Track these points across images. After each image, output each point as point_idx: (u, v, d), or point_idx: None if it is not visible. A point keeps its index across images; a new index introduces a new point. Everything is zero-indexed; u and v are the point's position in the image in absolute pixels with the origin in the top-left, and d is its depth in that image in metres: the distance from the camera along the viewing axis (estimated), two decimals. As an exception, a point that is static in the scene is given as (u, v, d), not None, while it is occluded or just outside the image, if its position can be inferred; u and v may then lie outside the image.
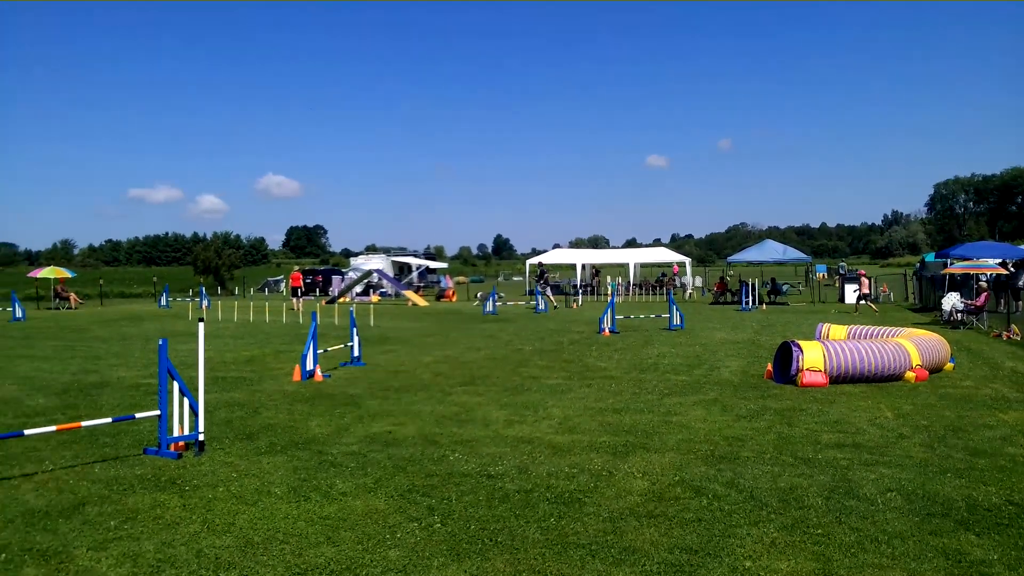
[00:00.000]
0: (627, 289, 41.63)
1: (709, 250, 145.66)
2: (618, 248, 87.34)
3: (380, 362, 13.31)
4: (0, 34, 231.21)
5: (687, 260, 43.77)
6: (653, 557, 4.47)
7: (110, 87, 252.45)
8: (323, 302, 34.72)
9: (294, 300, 30.00)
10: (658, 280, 44.75)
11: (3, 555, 4.52)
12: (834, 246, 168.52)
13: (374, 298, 38.37)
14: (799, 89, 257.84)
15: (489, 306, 26.98)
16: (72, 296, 34.42)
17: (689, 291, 40.46)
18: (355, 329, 13.21)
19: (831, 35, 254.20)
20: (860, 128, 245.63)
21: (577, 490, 5.77)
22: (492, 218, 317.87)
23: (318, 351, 11.71)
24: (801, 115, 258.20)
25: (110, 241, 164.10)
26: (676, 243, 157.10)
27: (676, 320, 19.52)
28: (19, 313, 26.08)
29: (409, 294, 35.31)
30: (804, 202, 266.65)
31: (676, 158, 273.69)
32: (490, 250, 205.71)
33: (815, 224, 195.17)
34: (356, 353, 13.10)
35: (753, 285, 29.91)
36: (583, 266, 43.33)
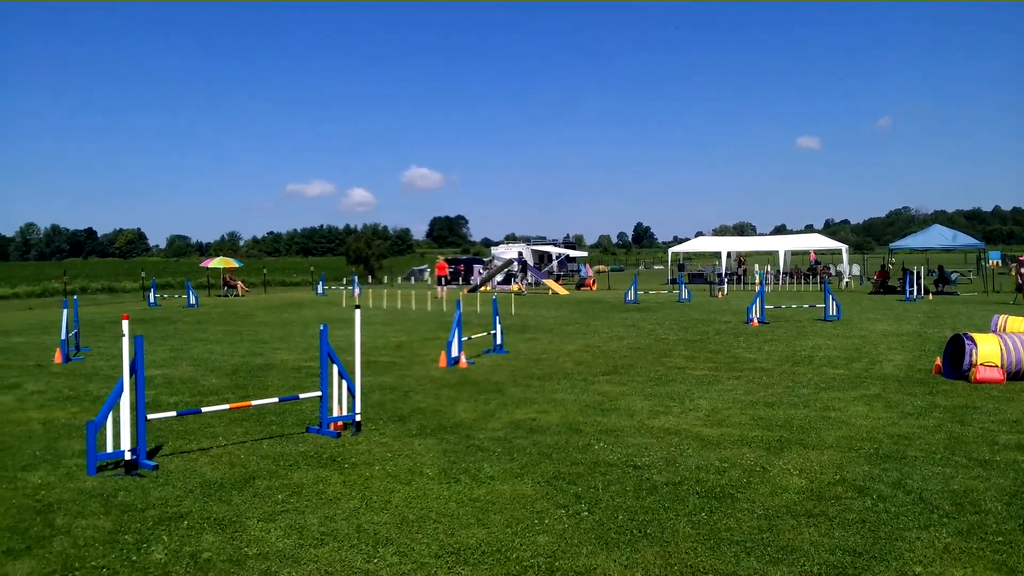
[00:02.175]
0: (776, 278, 39.91)
1: (867, 236, 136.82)
2: (766, 235, 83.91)
3: (522, 350, 13.46)
4: (168, 50, 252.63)
5: (843, 247, 41.40)
6: (813, 558, 4.25)
7: (269, 94, 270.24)
8: (465, 291, 35.55)
9: (439, 288, 30.94)
10: (811, 268, 42.56)
11: (185, 522, 4.92)
12: (1009, 231, 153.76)
13: (515, 287, 38.90)
14: (966, 59, 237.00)
15: (631, 295, 26.66)
16: (239, 284, 37.10)
17: (846, 280, 38.23)
18: (497, 317, 13.43)
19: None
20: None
21: (729, 485, 5.57)
22: (632, 206, 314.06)
23: (462, 338, 11.99)
24: (970, 88, 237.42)
25: (271, 233, 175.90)
26: (830, 229, 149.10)
27: (832, 310, 18.50)
28: (193, 300, 28.42)
29: (549, 283, 35.51)
30: (974, 183, 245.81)
31: (829, 139, 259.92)
32: (630, 238, 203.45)
33: (987, 207, 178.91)
34: (499, 341, 13.31)
35: (918, 273, 27.85)
36: (728, 254, 41.95)
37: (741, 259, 43.02)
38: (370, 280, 50.72)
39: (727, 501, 5.22)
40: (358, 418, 7.30)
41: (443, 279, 31.60)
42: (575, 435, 7.12)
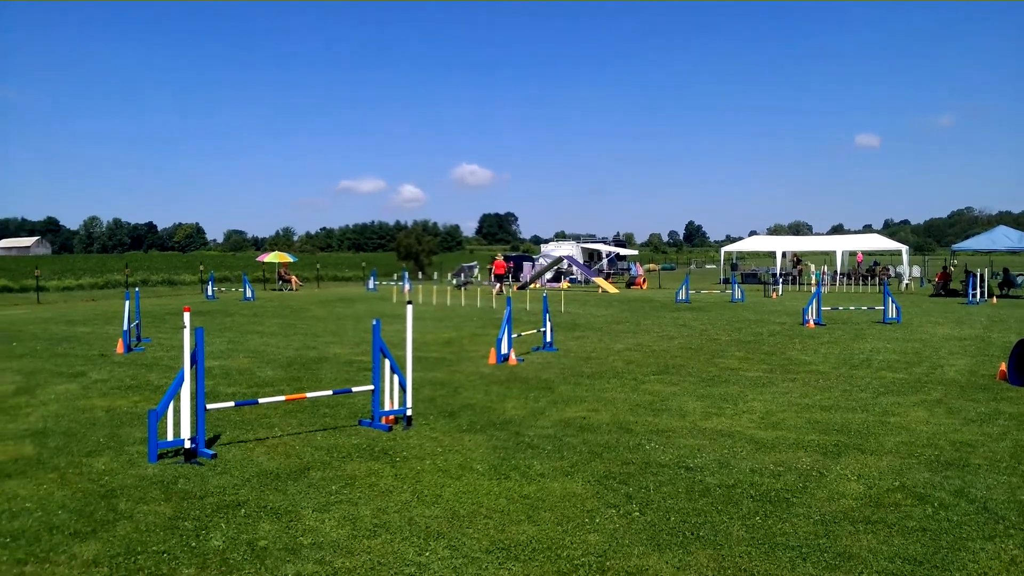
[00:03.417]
0: (833, 279, 39.02)
1: (928, 237, 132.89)
2: (822, 235, 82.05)
3: (572, 348, 13.42)
4: (227, 51, 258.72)
5: (903, 248, 40.21)
6: (872, 565, 4.14)
7: (324, 94, 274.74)
8: (514, 288, 35.61)
9: (498, 285, 31.55)
10: (869, 269, 41.48)
11: (242, 510, 5.03)
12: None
13: (564, 284, 38.79)
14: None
15: (682, 294, 26.37)
16: (293, 279, 37.80)
17: (906, 281, 37.16)
18: (547, 315, 13.41)
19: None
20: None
21: (784, 489, 5.47)
22: (684, 205, 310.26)
23: (512, 335, 12.00)
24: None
25: (324, 229, 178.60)
26: (890, 229, 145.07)
27: (891, 313, 18.02)
28: (249, 293, 29.05)
29: (599, 281, 35.34)
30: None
31: (888, 136, 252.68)
32: (681, 237, 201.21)
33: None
34: (548, 339, 13.29)
35: (981, 276, 26.91)
36: (783, 254, 41.15)
37: (796, 259, 42.15)
38: (420, 276, 51.15)
39: (782, 505, 5.12)
40: (409, 412, 7.37)
41: (503, 277, 32.25)
42: (626, 434, 7.07)
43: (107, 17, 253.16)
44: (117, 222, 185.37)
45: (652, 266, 67.27)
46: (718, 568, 4.12)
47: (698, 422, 7.60)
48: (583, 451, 6.48)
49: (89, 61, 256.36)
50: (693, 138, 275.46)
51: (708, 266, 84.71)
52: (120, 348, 12.86)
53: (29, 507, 5.07)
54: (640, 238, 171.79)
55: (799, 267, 40.99)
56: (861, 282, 37.61)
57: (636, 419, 7.73)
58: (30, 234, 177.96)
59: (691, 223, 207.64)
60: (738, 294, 26.83)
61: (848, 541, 4.49)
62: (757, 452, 6.47)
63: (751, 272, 45.36)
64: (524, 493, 5.35)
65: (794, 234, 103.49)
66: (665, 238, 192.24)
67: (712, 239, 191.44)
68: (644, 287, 38.10)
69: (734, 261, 47.52)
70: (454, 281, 31.93)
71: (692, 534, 4.61)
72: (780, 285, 33.11)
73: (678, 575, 4.04)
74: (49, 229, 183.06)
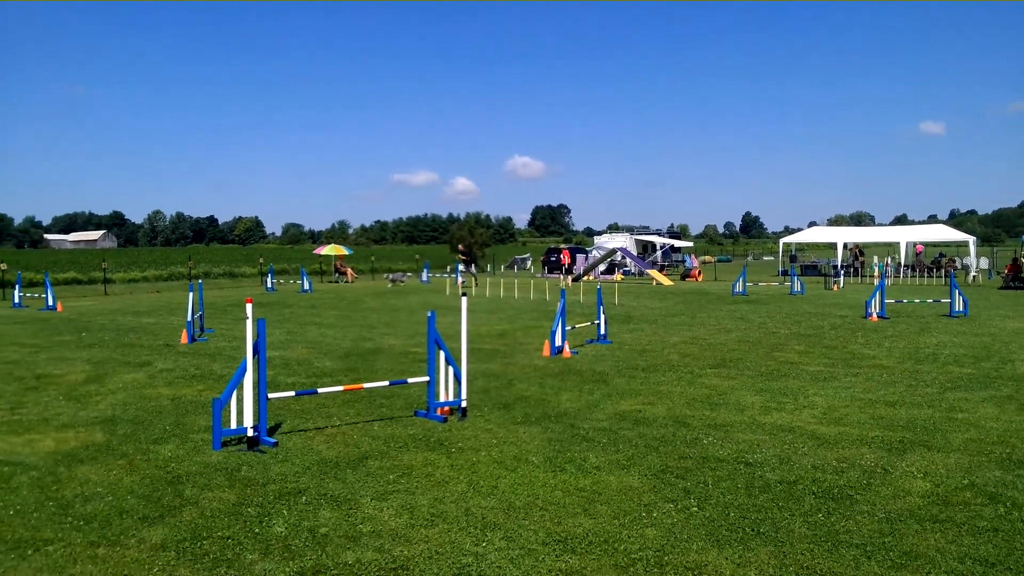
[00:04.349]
0: (897, 271, 37.89)
1: (996, 227, 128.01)
2: (885, 225, 79.71)
3: (626, 341, 13.32)
4: (285, 49, 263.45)
5: (970, 239, 38.81)
6: (940, 565, 4.01)
7: (377, 88, 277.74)
8: (568, 280, 35.52)
9: (565, 276, 32.24)
10: (934, 261, 40.14)
11: (303, 498, 5.13)
12: None
13: (618, 277, 38.53)
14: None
15: (739, 286, 25.93)
16: (349, 271, 38.37)
17: (973, 274, 35.86)
18: (601, 307, 13.33)
19: None
20: None
21: (847, 486, 5.34)
22: (740, 195, 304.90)
23: (566, 328, 11.96)
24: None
25: (378, 222, 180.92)
26: (956, 219, 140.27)
27: (958, 306, 17.41)
28: (307, 285, 29.59)
29: (653, 273, 35.00)
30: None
31: (954, 124, 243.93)
32: (737, 228, 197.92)
33: None
34: (602, 331, 13.21)
35: (1055, 268, 25.79)
36: (844, 245, 40.12)
37: (858, 250, 41.05)
38: (473, 268, 51.44)
39: (845, 503, 5.00)
40: (464, 404, 7.41)
41: (566, 268, 33.11)
42: (682, 428, 6.99)
43: (169, 15, 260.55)
44: (180, 216, 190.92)
45: (708, 258, 66.28)
46: (779, 565, 4.04)
47: (757, 417, 7.47)
48: (639, 444, 6.43)
49: (152, 58, 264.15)
50: (750, 128, 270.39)
51: (766, 258, 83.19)
52: (184, 338, 13.23)
53: (100, 492, 5.26)
54: (695, 229, 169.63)
55: (861, 259, 39.89)
56: (926, 274, 36.44)
57: (693, 413, 7.63)
58: (97, 228, 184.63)
59: (748, 214, 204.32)
60: (797, 286, 26.26)
61: (915, 540, 4.36)
62: (819, 448, 6.32)
63: (811, 264, 44.38)
64: (580, 486, 5.34)
65: (856, 225, 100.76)
66: (721, 229, 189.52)
67: (770, 230, 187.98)
68: (699, 279, 37.58)
69: (793, 252, 46.56)
70: (390, 279, 33.45)
71: (752, 530, 4.53)
72: (841, 277, 32.28)
73: (738, 572, 3.98)
74: (115, 223, 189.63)
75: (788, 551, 4.22)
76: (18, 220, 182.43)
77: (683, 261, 48.05)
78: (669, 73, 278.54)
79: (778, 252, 49.62)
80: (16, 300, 22.08)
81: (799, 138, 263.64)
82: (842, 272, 33.99)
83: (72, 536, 4.46)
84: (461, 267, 29.04)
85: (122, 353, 11.94)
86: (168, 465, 5.89)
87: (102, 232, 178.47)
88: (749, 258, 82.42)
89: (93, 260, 52.18)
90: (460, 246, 26.23)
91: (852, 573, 3.95)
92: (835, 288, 29.04)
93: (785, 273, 38.06)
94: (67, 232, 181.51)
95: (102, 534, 4.50)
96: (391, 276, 34.02)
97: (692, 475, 5.59)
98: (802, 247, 56.72)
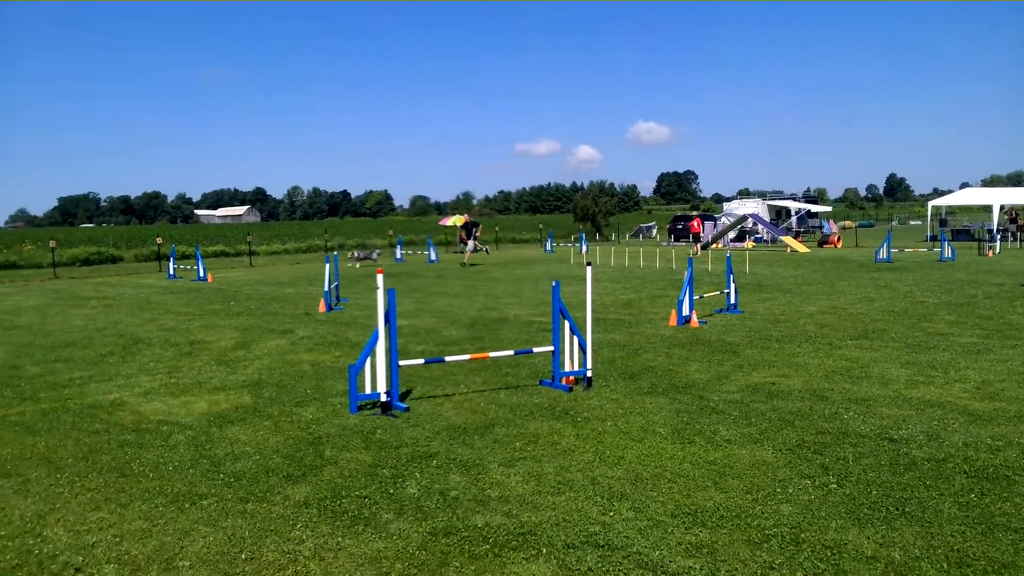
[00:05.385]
0: (1062, 234, 34.52)
1: None
2: (1049, 185, 72.73)
3: (758, 310, 12.85)
4: (412, 31, 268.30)
5: None
6: (1118, 559, 3.64)
7: (499, 60, 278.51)
8: (697, 248, 34.63)
9: (697, 245, 31.64)
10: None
11: (434, 461, 5.28)
12: None
13: (748, 244, 37.18)
14: None
15: (882, 253, 24.41)
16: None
17: None
18: (731, 276, 12.90)
19: None
20: None
21: (1004, 465, 4.93)
22: (883, 156, 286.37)
23: (694, 297, 11.66)
24: None
25: (502, 192, 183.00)
26: None
27: None
28: (433, 256, 30.33)
29: (787, 240, 33.51)
30: None
31: None
32: (881, 191, 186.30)
33: None
34: (732, 300, 12.80)
35: None
36: (1000, 207, 36.93)
37: (1015, 213, 37.68)
38: (597, 237, 51.04)
39: (1002, 483, 4.62)
40: (589, 374, 7.38)
41: (699, 236, 32.56)
42: (820, 402, 6.67)
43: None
44: (316, 191, 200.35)
45: (847, 223, 62.73)
46: (927, 547, 3.80)
47: (902, 391, 7.02)
48: (773, 418, 6.19)
49: (282, 41, 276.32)
50: (894, 82, 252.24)
51: (912, 222, 77.85)
52: (322, 307, 13.89)
53: (248, 451, 5.62)
54: (834, 193, 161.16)
55: (1020, 222, 36.60)
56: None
57: (831, 386, 7.27)
58: (242, 203, 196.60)
59: (892, 176, 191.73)
60: (948, 252, 24.43)
61: (1087, 529, 3.97)
62: (971, 424, 5.88)
63: (963, 228, 41.15)
64: (710, 459, 5.20)
65: (1014, 185, 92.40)
66: (862, 193, 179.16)
67: (917, 193, 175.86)
68: (838, 246, 35.68)
69: (943, 216, 43.38)
70: (355, 257, 28.96)
71: (897, 509, 4.27)
72: (998, 242, 29.76)
73: (881, 552, 3.77)
74: (258, 199, 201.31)
75: (936, 532, 3.95)
76: (171, 197, 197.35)
77: (820, 227, 45.77)
78: (802, 24, 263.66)
79: (926, 216, 46.37)
80: (171, 272, 23.88)
81: (949, 91, 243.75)
82: (998, 237, 31.33)
83: (224, 492, 4.79)
84: (471, 242, 25.13)
85: (266, 321, 12.67)
86: (309, 427, 6.21)
87: (246, 207, 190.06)
88: (894, 223, 77.25)
89: (239, 234, 55.65)
90: (465, 216, 22.29)
91: (1010, 559, 3.66)
92: (990, 254, 26.83)
93: (934, 238, 35.52)
94: (215, 207, 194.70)
95: (250, 490, 4.80)
96: (356, 253, 29.58)
97: (830, 451, 5.33)
98: (953, 210, 52.61)
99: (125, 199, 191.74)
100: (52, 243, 28.64)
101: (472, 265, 26.16)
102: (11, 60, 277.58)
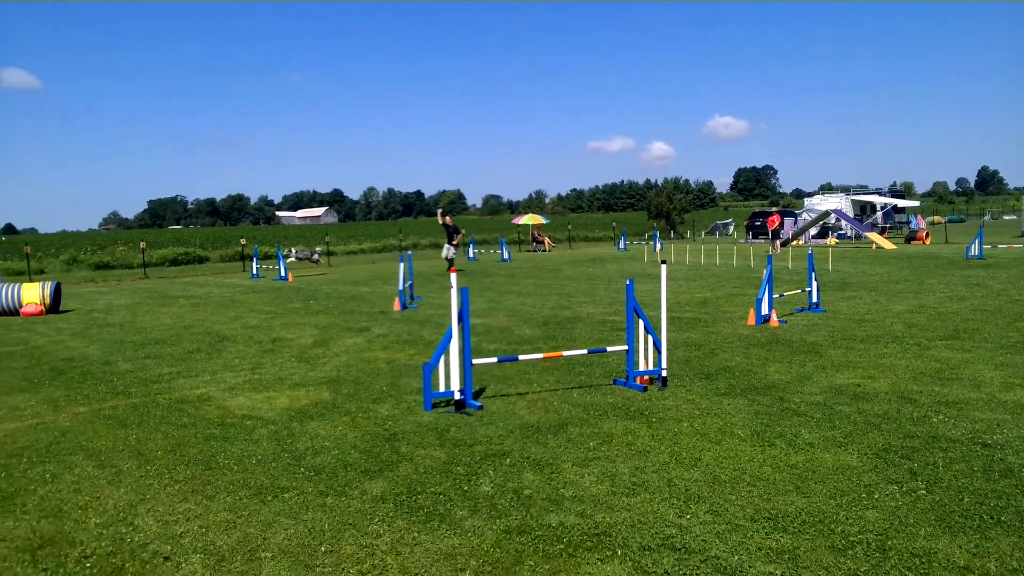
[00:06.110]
0: None
1: None
2: None
3: (841, 309, 12.42)
4: (478, 30, 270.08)
5: None
6: None
7: (571, 57, 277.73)
8: (776, 245, 33.77)
9: (776, 242, 31.06)
10: None
11: (508, 460, 5.30)
12: None
13: (831, 241, 36.01)
14: None
15: (974, 249, 23.28)
16: (546, 240, 39.01)
17: None
18: (813, 273, 12.51)
19: None
20: None
21: (1114, 476, 4.63)
22: (975, 148, 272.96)
23: (773, 295, 11.36)
24: None
25: (574, 190, 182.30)
26: None
27: None
28: (506, 255, 30.47)
29: (872, 236, 32.31)
30: None
31: None
32: (972, 185, 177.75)
33: None
34: (814, 299, 12.41)
35: None
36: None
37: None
38: (671, 235, 50.30)
39: (1112, 495, 4.34)
40: (664, 373, 7.27)
41: (777, 232, 32.18)
42: (908, 405, 6.41)
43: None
44: (391, 192, 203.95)
45: (936, 218, 60.16)
46: (1027, 561, 3.60)
47: (996, 394, 6.68)
48: (858, 421, 5.98)
49: (358, 46, 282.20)
50: (986, 71, 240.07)
51: (1007, 217, 74.00)
52: (397, 306, 14.12)
53: (328, 446, 5.75)
54: (921, 188, 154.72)
55: None
56: None
57: (920, 388, 6.97)
58: (320, 205, 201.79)
59: (984, 168, 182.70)
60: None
61: None
62: (1077, 431, 5.54)
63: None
64: (791, 462, 5.06)
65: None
66: (952, 186, 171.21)
67: (1011, 186, 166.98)
68: (927, 242, 34.20)
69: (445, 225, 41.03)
70: (295, 257, 27.86)
71: (991, 518, 4.06)
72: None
73: (975, 562, 3.59)
74: (335, 200, 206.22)
75: (1039, 546, 3.74)
76: (254, 199, 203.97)
77: (908, 222, 43.98)
78: (886, 15, 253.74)
79: (1021, 210, 43.95)
80: (254, 271, 24.70)
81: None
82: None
83: (304, 485, 4.92)
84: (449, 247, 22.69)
85: (344, 319, 12.96)
86: (386, 423, 6.32)
87: (324, 208, 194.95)
88: (986, 217, 73.54)
89: (317, 234, 57.14)
90: (446, 218, 19.66)
91: (1123, 577, 3.43)
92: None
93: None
94: (295, 209, 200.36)
95: (330, 484, 4.92)
96: (296, 253, 28.39)
97: (919, 455, 5.11)
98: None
99: (211, 202, 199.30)
100: (142, 244, 30.03)
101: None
102: (116, 73, 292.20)
